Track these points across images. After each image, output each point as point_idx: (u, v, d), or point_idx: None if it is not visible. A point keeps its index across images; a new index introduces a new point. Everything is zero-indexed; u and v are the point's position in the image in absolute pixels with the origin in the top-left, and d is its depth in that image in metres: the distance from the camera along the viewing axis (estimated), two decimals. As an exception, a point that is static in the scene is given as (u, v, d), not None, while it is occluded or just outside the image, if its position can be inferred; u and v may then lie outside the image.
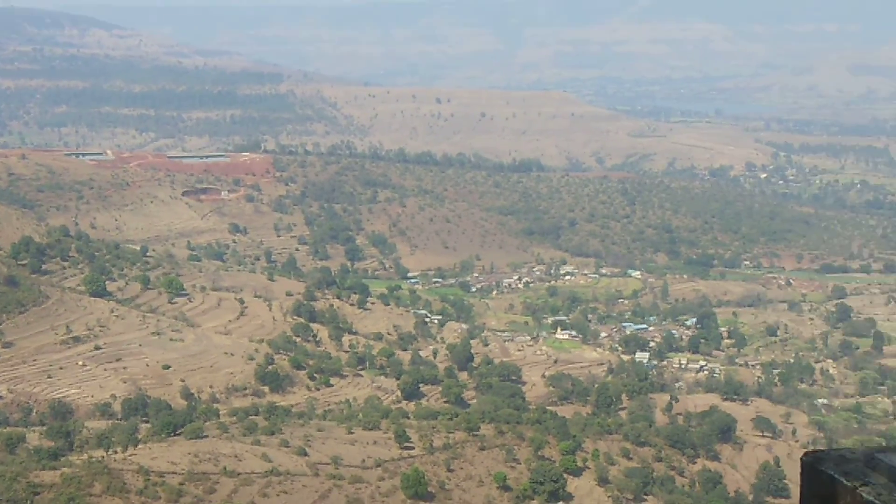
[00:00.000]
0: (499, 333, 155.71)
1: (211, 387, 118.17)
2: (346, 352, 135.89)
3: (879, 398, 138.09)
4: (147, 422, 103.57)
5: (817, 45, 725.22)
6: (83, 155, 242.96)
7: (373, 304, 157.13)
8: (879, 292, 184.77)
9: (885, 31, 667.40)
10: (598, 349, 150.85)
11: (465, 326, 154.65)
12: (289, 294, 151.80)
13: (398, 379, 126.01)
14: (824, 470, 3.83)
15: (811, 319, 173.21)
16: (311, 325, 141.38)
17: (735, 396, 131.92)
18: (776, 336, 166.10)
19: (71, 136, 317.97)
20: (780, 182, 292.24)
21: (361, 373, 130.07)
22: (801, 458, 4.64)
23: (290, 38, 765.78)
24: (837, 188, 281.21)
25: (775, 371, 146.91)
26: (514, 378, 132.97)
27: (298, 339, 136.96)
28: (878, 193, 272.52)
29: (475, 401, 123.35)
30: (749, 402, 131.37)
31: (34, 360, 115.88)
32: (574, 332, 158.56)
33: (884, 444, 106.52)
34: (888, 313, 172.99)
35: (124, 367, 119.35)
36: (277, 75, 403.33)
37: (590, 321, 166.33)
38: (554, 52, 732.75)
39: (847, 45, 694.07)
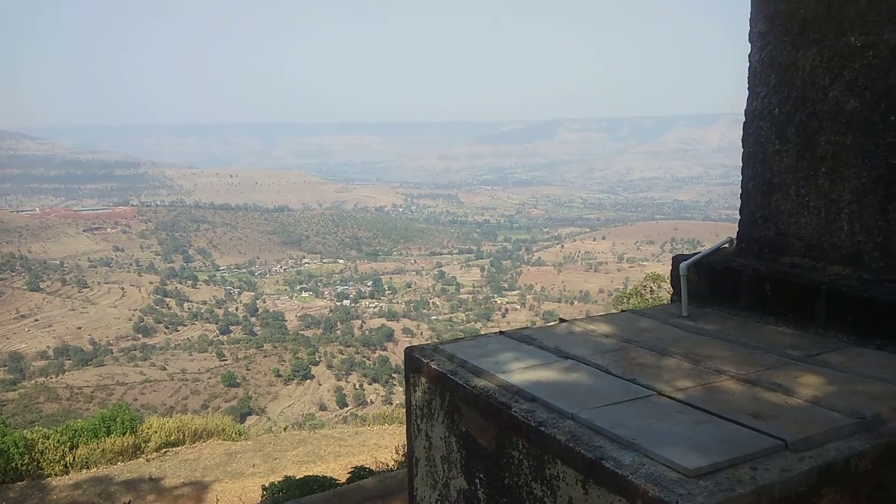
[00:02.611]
0: (271, 295, 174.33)
1: (106, 337, 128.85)
2: (186, 312, 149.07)
3: (461, 314, 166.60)
4: (70, 360, 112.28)
5: (420, 137, 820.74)
6: (21, 211, 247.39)
7: (200, 285, 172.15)
8: (457, 263, 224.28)
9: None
10: (324, 300, 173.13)
11: (252, 293, 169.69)
12: (151, 283, 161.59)
13: (217, 324, 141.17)
14: (412, 354, 5.02)
15: (426, 278, 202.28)
16: (165, 298, 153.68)
17: (392, 318, 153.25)
18: (410, 287, 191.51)
19: (13, 201, 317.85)
20: (408, 212, 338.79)
21: (196, 322, 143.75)
22: (405, 350, 5.24)
23: (145, 143, 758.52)
24: (435, 214, 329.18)
25: (411, 304, 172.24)
26: (281, 318, 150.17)
27: (157, 307, 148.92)
28: (454, 217, 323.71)
29: (260, 331, 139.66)
30: (400, 320, 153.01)
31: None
32: (311, 292, 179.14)
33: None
34: (461, 272, 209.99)
35: (54, 330, 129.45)
36: (137, 164, 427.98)
37: (318, 286, 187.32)
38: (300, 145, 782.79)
39: (438, 139, 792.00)
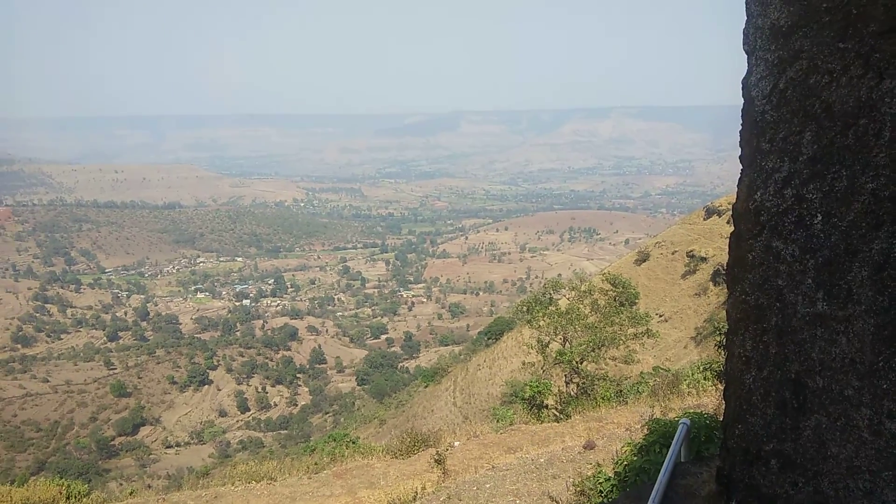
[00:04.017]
0: (164, 298, 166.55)
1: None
2: (69, 318, 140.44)
3: (367, 309, 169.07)
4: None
5: (321, 130, 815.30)
6: None
7: (85, 289, 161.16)
8: (361, 257, 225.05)
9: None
10: (222, 300, 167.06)
11: (142, 296, 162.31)
12: (29, 289, 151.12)
13: (104, 330, 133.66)
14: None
15: (330, 274, 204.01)
16: (46, 305, 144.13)
17: (296, 316, 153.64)
18: (314, 284, 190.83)
19: None
20: (310, 207, 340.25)
21: (81, 329, 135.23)
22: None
23: (19, 137, 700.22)
24: (338, 208, 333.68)
25: (315, 301, 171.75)
26: (174, 321, 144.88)
27: (38, 315, 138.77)
28: (358, 210, 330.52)
29: (152, 336, 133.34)
30: (304, 318, 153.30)
31: None
32: (208, 293, 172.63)
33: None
34: (366, 267, 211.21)
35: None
36: (11, 160, 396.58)
37: (215, 286, 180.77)
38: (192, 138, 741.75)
39: (339, 131, 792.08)
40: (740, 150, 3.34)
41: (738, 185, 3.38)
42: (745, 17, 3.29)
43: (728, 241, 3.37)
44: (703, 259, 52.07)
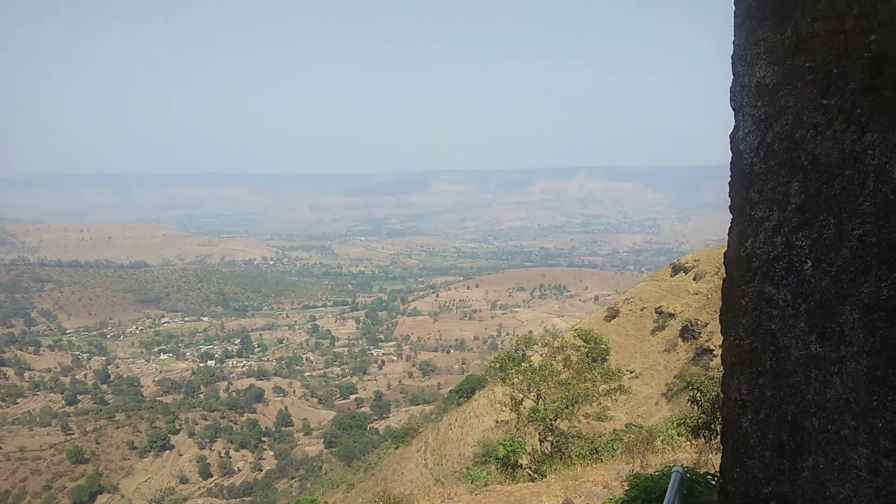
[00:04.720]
0: (126, 359, 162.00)
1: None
2: (27, 381, 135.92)
3: (337, 368, 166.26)
4: None
5: (291, 188, 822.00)
6: None
7: (44, 351, 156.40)
8: (331, 315, 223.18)
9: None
10: (186, 362, 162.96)
11: (103, 358, 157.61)
12: None
13: (62, 393, 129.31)
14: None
15: (299, 332, 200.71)
16: (2, 368, 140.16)
17: (262, 377, 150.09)
18: (283, 343, 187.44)
19: None
20: (280, 265, 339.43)
21: (38, 393, 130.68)
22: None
23: None
24: (309, 266, 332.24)
25: (283, 361, 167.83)
26: (136, 384, 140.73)
27: None
28: (328, 268, 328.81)
29: (112, 399, 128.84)
30: (271, 379, 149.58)
31: None
32: (172, 354, 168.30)
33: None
34: (336, 325, 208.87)
35: None
36: None
37: (179, 347, 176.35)
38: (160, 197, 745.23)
39: (309, 190, 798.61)
40: (730, 200, 3.51)
41: (728, 234, 3.53)
42: (732, 77, 3.46)
43: (721, 287, 3.49)
44: (672, 315, 52.70)
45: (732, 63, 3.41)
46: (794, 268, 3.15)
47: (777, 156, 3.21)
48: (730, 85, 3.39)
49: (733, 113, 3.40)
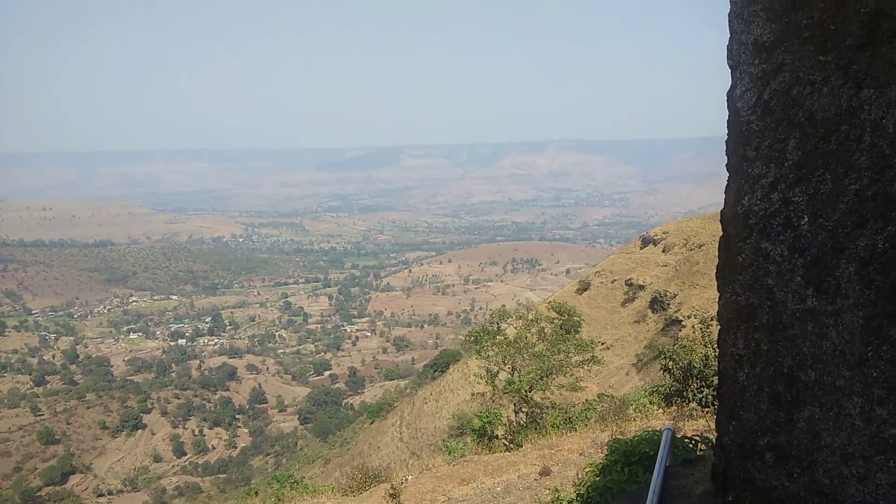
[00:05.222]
0: (94, 339, 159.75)
1: None
2: None
3: (310, 345, 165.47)
4: None
5: (259, 164, 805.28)
6: None
7: (9, 332, 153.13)
8: (304, 292, 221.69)
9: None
10: (156, 341, 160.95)
11: (71, 338, 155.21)
12: None
13: (30, 375, 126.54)
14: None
15: (271, 310, 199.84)
16: None
17: (235, 355, 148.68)
18: (255, 321, 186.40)
19: None
20: (249, 242, 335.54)
21: (5, 374, 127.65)
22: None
23: None
24: (279, 243, 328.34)
25: (256, 339, 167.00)
26: (106, 364, 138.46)
27: None
28: (299, 245, 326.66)
29: (82, 380, 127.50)
30: (243, 357, 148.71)
31: None
32: (141, 333, 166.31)
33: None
34: (309, 302, 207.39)
35: None
36: None
37: (149, 326, 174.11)
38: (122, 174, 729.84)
39: (278, 165, 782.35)
40: (726, 158, 3.55)
41: (725, 192, 3.58)
42: (729, 34, 3.48)
43: (717, 244, 3.55)
44: (641, 287, 53.55)
45: (729, 20, 3.43)
46: (790, 223, 3.21)
47: (774, 113, 3.26)
48: (726, 43, 3.42)
49: (730, 71, 3.43)
